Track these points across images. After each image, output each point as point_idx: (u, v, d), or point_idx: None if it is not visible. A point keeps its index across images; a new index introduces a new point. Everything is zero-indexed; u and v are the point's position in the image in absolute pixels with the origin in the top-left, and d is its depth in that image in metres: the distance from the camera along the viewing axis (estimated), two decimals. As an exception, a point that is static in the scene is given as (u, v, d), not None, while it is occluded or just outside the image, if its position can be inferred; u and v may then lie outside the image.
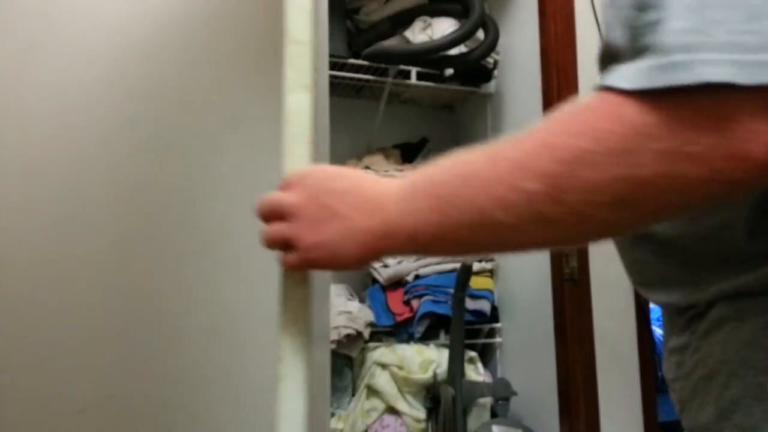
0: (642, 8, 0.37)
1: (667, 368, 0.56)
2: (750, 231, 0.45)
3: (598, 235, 0.42)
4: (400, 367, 1.86)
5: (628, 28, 0.38)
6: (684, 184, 0.35)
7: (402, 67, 2.03)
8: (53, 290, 1.03)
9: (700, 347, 0.49)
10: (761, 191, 0.44)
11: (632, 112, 0.36)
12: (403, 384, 1.86)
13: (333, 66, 1.93)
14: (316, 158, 1.05)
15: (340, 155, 2.15)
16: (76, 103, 1.08)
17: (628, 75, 0.36)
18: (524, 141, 0.40)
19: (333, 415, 1.87)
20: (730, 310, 0.47)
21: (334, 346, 1.81)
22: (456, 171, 0.44)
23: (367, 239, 0.48)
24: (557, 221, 0.39)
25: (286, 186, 0.54)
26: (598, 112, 0.37)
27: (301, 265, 0.52)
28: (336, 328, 1.81)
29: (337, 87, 2.11)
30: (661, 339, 2.46)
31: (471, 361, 1.97)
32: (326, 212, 0.50)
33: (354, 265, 0.51)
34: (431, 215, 0.44)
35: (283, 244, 0.53)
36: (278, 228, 0.53)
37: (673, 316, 0.55)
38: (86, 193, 1.07)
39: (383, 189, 0.49)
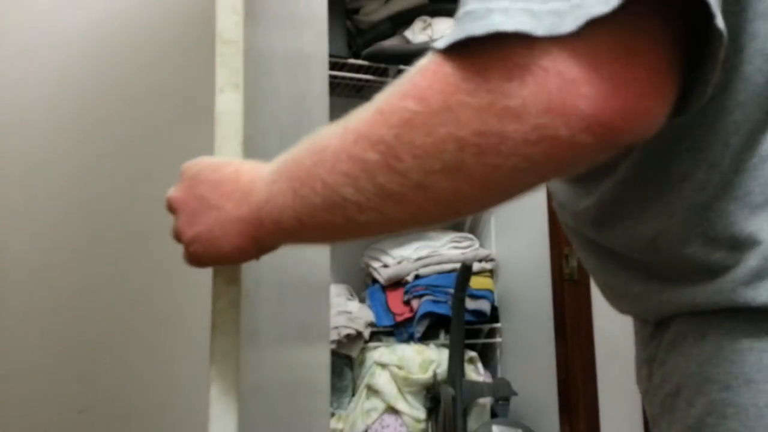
0: None
1: (639, 380, 0.54)
2: (682, 238, 0.42)
3: (449, 211, 0.39)
4: (400, 367, 1.86)
5: None
6: (508, 144, 0.32)
7: (402, 67, 2.03)
8: (53, 290, 1.03)
9: (666, 360, 0.47)
10: (689, 191, 0.41)
11: (449, 67, 0.34)
12: (403, 384, 1.86)
13: (333, 66, 1.93)
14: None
15: (340, 155, 2.15)
16: (77, 104, 1.08)
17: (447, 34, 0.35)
18: (366, 108, 0.38)
19: (333, 415, 1.87)
20: (690, 323, 0.44)
21: (334, 346, 1.81)
22: (311, 148, 0.42)
23: (241, 228, 0.46)
24: (401, 195, 0.37)
25: (179, 177, 0.53)
26: (423, 72, 0.36)
27: (189, 259, 0.51)
28: (336, 328, 1.81)
29: (337, 87, 2.12)
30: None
31: (471, 361, 1.97)
32: (202, 204, 0.48)
33: (237, 256, 0.49)
34: (291, 199, 0.42)
35: (176, 239, 0.52)
36: (173, 224, 0.52)
37: (641, 325, 0.53)
38: (86, 193, 1.07)
39: (255, 174, 0.47)
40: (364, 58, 1.98)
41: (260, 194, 0.45)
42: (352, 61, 1.98)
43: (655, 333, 0.49)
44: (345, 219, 0.40)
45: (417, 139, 0.35)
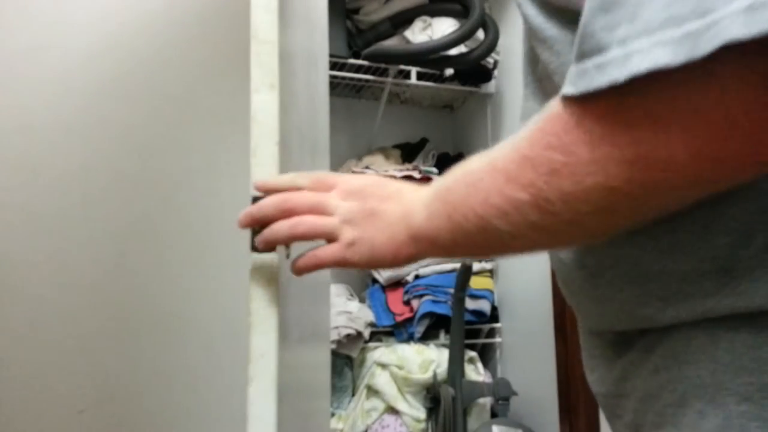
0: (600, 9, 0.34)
1: (598, 380, 0.52)
2: (662, 249, 0.41)
3: (596, 235, 0.41)
4: (400, 367, 1.86)
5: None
6: (657, 190, 0.34)
7: (402, 67, 2.03)
8: (53, 290, 1.03)
9: (668, 367, 0.43)
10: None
11: (589, 118, 0.34)
12: (403, 384, 1.86)
13: (333, 66, 1.93)
14: (316, 159, 1.05)
15: (340, 155, 2.15)
16: (75, 103, 1.08)
17: (574, 79, 0.34)
18: (513, 151, 0.40)
19: (333, 415, 1.87)
20: (697, 329, 0.41)
21: (334, 346, 1.81)
22: (463, 179, 0.46)
23: (402, 239, 0.52)
24: (550, 228, 0.39)
25: (319, 184, 0.57)
26: (563, 122, 0.36)
27: (340, 258, 0.55)
28: (336, 328, 1.81)
29: (337, 87, 2.12)
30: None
31: (471, 361, 1.97)
32: (369, 212, 0.54)
33: (389, 263, 0.54)
34: (446, 222, 0.47)
35: (326, 236, 0.55)
36: (325, 221, 0.55)
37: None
38: (86, 194, 1.07)
39: (416, 195, 0.53)
40: (364, 58, 1.98)
41: (420, 214, 0.50)
42: (352, 61, 1.98)
43: (636, 338, 0.46)
44: (498, 244, 0.44)
45: (566, 187, 0.36)
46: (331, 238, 0.55)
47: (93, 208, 1.07)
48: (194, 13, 1.15)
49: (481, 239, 0.44)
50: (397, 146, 2.27)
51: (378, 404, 1.85)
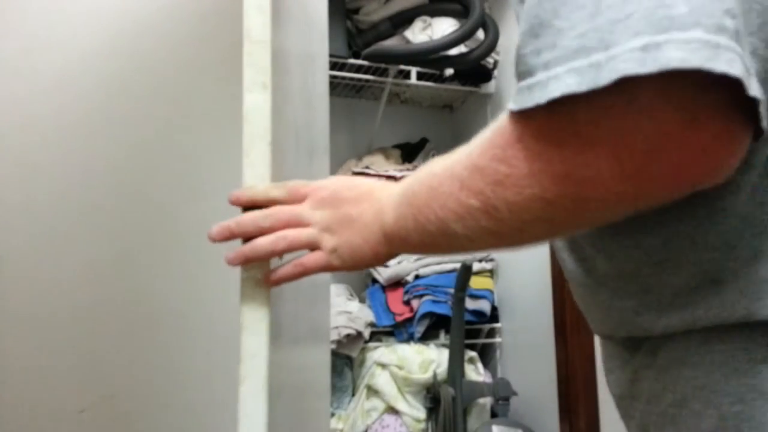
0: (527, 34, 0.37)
1: (615, 383, 0.53)
2: (656, 263, 0.43)
3: (543, 239, 0.44)
4: (400, 367, 1.86)
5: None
6: (589, 205, 0.36)
7: (402, 67, 2.03)
8: (53, 290, 1.03)
9: (668, 368, 0.45)
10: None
11: (527, 135, 0.37)
12: (403, 384, 1.86)
13: (333, 66, 1.93)
14: (316, 159, 1.05)
15: (340, 155, 2.15)
16: (74, 102, 1.08)
17: (515, 96, 0.37)
18: (467, 158, 0.42)
19: (333, 415, 1.87)
20: (694, 335, 0.43)
21: (334, 346, 1.81)
22: (428, 182, 0.47)
23: (377, 239, 0.54)
24: (501, 233, 0.41)
25: (295, 194, 0.58)
26: (505, 136, 0.38)
27: (325, 264, 0.57)
28: (336, 328, 1.81)
29: (337, 87, 2.12)
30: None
31: (471, 361, 1.97)
32: (346, 218, 0.56)
33: (375, 260, 0.56)
34: (413, 223, 0.49)
35: (309, 246, 0.57)
36: (304, 232, 0.57)
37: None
38: (86, 194, 1.07)
39: (385, 194, 0.55)
40: (364, 58, 1.98)
41: (390, 214, 0.52)
42: (352, 61, 1.98)
43: (643, 341, 0.48)
44: (458, 245, 0.46)
45: (510, 197, 0.38)
46: (313, 248, 0.57)
47: (92, 208, 1.07)
48: (189, 12, 1.15)
49: (443, 240, 0.46)
50: (397, 146, 2.27)
51: (378, 404, 1.85)
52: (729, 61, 0.30)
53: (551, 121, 0.35)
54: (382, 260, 0.56)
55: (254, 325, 0.59)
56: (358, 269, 0.58)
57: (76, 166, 1.07)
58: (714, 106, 0.32)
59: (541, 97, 0.34)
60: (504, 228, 0.40)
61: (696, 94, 0.31)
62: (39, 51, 1.07)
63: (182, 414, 1.07)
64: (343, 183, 0.58)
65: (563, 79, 0.33)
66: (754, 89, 0.30)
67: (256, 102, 0.59)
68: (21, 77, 1.06)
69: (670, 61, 0.30)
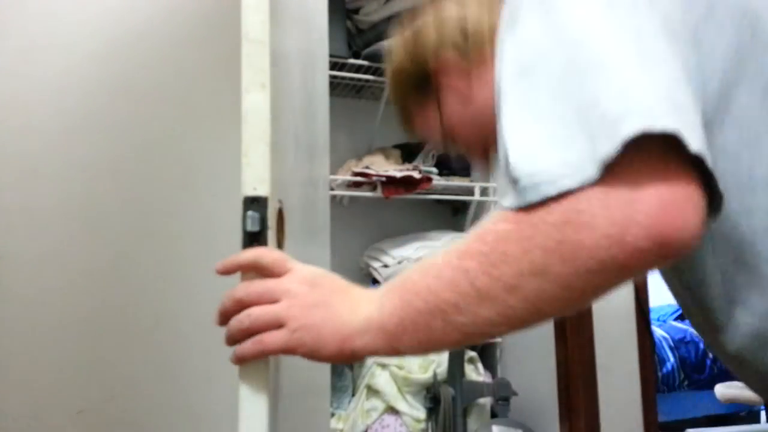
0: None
1: None
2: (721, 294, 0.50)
3: (535, 312, 0.46)
4: (400, 367, 1.86)
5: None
6: (582, 258, 0.41)
7: (402, 67, 2.02)
8: (51, 290, 1.02)
9: None
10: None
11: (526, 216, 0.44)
12: (403, 384, 1.85)
13: (333, 66, 1.93)
14: (316, 159, 1.05)
15: (340, 155, 2.14)
16: (74, 103, 1.07)
17: (509, 198, 0.45)
18: (464, 243, 0.47)
19: (333, 415, 1.87)
20: None
21: (334, 346, 1.80)
22: (420, 266, 0.51)
23: (347, 332, 0.53)
24: (494, 296, 0.45)
25: (278, 266, 0.57)
26: (506, 221, 0.45)
27: (285, 345, 0.54)
28: (336, 328, 1.81)
29: (337, 87, 2.11)
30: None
31: (471, 361, 1.97)
32: (319, 300, 0.55)
33: (330, 357, 0.54)
34: (399, 302, 0.50)
35: (272, 324, 0.55)
36: (271, 308, 0.55)
37: None
38: (86, 194, 1.06)
39: (365, 294, 0.55)
40: (364, 58, 1.97)
41: (373, 306, 0.53)
42: (352, 61, 1.98)
43: None
44: (443, 321, 0.47)
45: (509, 250, 0.44)
46: (278, 325, 0.55)
47: (92, 210, 1.06)
48: (187, 12, 1.15)
49: (427, 318, 0.48)
50: (397, 146, 2.27)
51: (378, 404, 1.85)
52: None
53: (559, 205, 0.43)
54: (343, 358, 0.54)
55: None
56: (315, 359, 0.55)
57: (76, 167, 1.06)
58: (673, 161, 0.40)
59: (535, 195, 0.43)
60: (497, 287, 0.44)
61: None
62: (38, 52, 1.07)
63: (181, 415, 1.07)
64: (325, 272, 0.58)
65: (534, 190, 0.43)
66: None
67: (255, 102, 0.58)
68: (20, 78, 1.05)
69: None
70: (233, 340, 0.56)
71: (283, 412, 0.80)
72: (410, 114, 0.85)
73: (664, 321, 3.47)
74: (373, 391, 1.87)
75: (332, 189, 1.97)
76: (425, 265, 0.50)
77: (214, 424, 1.07)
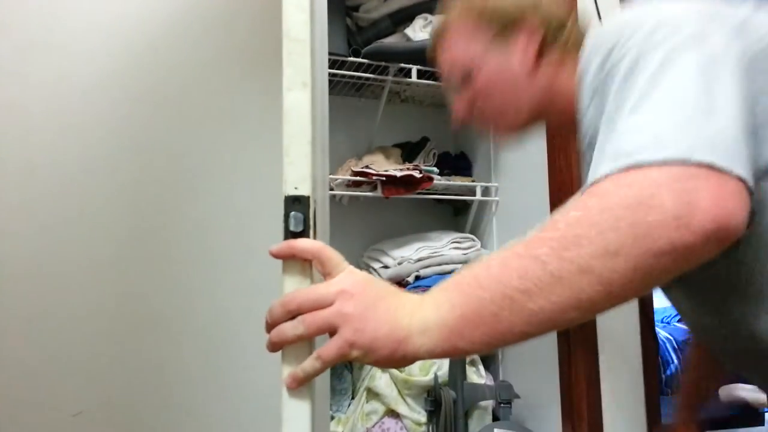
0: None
1: None
2: None
3: (608, 296, 0.47)
4: (401, 370, 1.84)
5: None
6: (653, 235, 0.45)
7: (402, 65, 2.01)
8: (50, 292, 1.02)
9: None
10: None
11: (611, 184, 0.50)
12: (404, 386, 1.84)
13: (332, 64, 1.91)
14: (316, 157, 1.03)
15: (340, 154, 2.13)
16: (76, 103, 1.07)
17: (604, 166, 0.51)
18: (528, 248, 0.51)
19: (332, 418, 1.85)
20: None
21: (333, 348, 1.79)
22: (476, 265, 0.52)
23: (403, 334, 0.53)
24: (567, 280, 0.47)
25: (319, 297, 0.56)
26: (594, 189, 0.52)
27: (340, 350, 0.54)
28: (335, 329, 1.79)
29: (336, 85, 2.10)
30: (682, 343, 2.42)
31: (472, 363, 1.95)
32: (373, 302, 0.54)
33: (384, 361, 0.54)
34: (457, 297, 0.51)
35: (326, 329, 0.55)
36: (323, 314, 0.55)
37: None
38: (85, 194, 1.06)
39: (417, 298, 0.55)
40: (364, 56, 1.96)
41: (425, 306, 0.53)
42: (351, 59, 1.96)
43: None
44: (511, 310, 0.48)
45: (582, 233, 0.46)
46: (332, 330, 0.55)
47: (91, 210, 1.06)
48: (222, 10, 1.14)
49: (494, 308, 0.49)
50: (397, 145, 2.25)
51: (378, 407, 1.83)
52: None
53: (641, 172, 0.49)
54: (398, 361, 0.54)
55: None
56: (369, 363, 0.55)
57: (76, 166, 1.06)
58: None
59: (633, 160, 0.50)
60: (571, 270, 0.47)
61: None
62: (37, 52, 1.06)
63: (180, 417, 1.06)
64: (376, 278, 0.59)
65: (659, 150, 0.50)
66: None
67: (297, 101, 0.58)
68: (18, 77, 1.05)
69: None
70: (281, 346, 0.56)
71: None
72: (460, 41, 0.85)
73: (668, 322, 3.46)
74: (373, 394, 1.86)
75: (332, 188, 1.96)
76: (483, 263, 0.52)
77: (214, 424, 1.06)
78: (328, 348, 0.54)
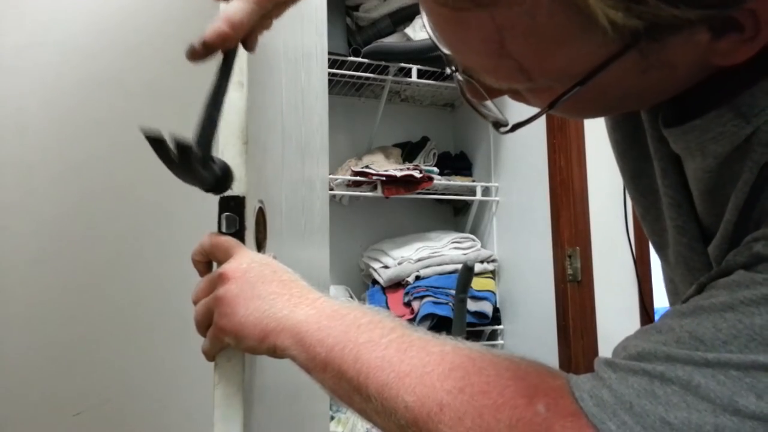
0: None
1: None
2: None
3: None
4: (401, 369, 1.84)
5: None
6: None
7: (402, 65, 2.01)
8: (48, 292, 1.02)
9: None
10: None
11: None
12: (404, 386, 1.84)
13: (332, 64, 1.91)
14: (313, 158, 1.03)
15: (340, 154, 2.13)
16: (74, 102, 1.06)
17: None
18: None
19: (332, 418, 1.85)
20: None
21: (333, 347, 1.79)
22: (401, 333, 0.48)
23: (272, 326, 0.49)
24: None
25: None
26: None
27: (212, 338, 0.54)
28: (336, 329, 1.79)
29: (336, 85, 2.10)
30: None
31: (472, 362, 1.95)
32: (251, 286, 0.51)
33: (251, 349, 0.51)
34: (338, 338, 0.47)
35: (207, 315, 0.54)
36: (204, 301, 0.54)
37: None
38: (84, 192, 1.05)
39: (311, 294, 0.51)
40: (364, 56, 1.96)
41: (315, 316, 0.49)
42: (351, 58, 1.96)
43: None
44: (360, 399, 0.47)
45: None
46: (210, 314, 0.54)
47: (89, 210, 1.06)
48: (169, 10, 1.14)
49: (334, 382, 0.47)
50: (397, 145, 2.25)
51: (378, 407, 1.83)
52: None
53: None
54: (265, 351, 0.50)
55: None
56: (240, 349, 0.53)
57: (74, 166, 1.05)
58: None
59: None
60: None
61: None
62: (37, 51, 1.06)
63: (178, 417, 1.06)
64: (270, 262, 0.55)
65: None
66: None
67: (231, 101, 0.57)
68: (18, 76, 1.05)
69: None
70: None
71: (283, 414, 0.78)
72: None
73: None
74: (373, 394, 1.85)
75: (332, 188, 1.96)
76: (407, 336, 0.47)
77: (211, 427, 1.06)
78: (206, 339, 0.54)
